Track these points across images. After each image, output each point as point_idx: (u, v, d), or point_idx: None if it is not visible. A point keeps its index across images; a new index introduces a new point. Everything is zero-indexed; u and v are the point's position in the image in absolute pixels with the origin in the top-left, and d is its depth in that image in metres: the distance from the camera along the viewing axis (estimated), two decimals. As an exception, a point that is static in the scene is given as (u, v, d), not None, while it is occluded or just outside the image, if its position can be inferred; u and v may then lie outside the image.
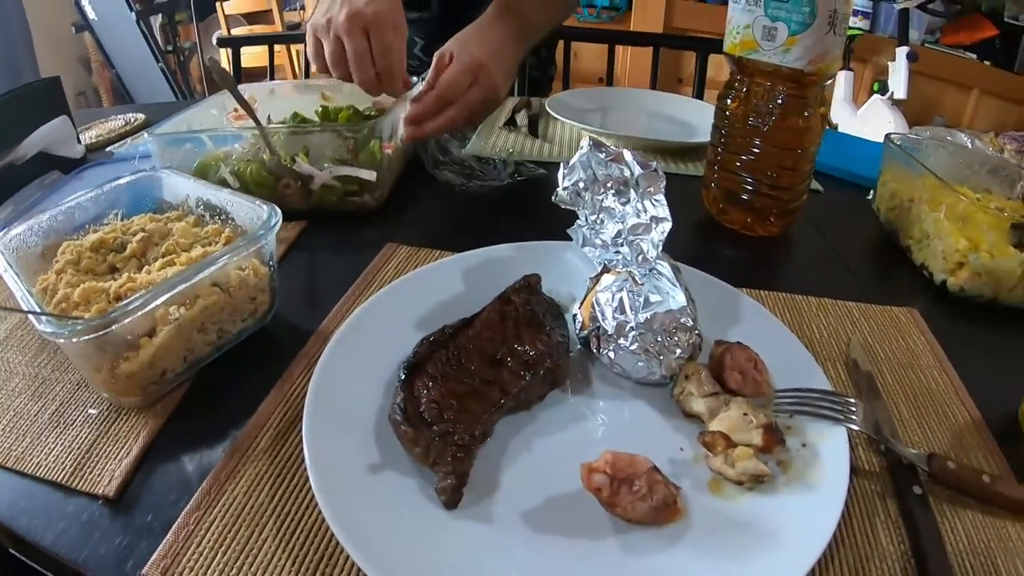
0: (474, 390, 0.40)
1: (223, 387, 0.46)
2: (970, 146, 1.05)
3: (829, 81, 0.62)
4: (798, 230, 0.72)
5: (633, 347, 0.42)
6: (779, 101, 0.62)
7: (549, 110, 0.94)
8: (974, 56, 2.29)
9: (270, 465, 0.38)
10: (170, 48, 2.87)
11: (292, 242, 0.64)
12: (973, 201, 0.60)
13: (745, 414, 0.38)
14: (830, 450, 0.38)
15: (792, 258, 0.69)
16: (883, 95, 2.18)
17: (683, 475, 0.37)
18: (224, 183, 0.64)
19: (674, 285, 0.44)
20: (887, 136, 0.72)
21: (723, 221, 0.71)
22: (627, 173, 0.50)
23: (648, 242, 0.47)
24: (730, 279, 0.55)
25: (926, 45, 2.33)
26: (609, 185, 0.52)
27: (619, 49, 1.44)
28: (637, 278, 0.44)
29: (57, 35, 2.71)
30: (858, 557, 0.35)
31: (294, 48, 2.81)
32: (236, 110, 0.75)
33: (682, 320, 0.42)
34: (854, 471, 0.39)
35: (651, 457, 0.35)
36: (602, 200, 0.52)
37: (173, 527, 0.34)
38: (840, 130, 2.01)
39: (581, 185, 0.54)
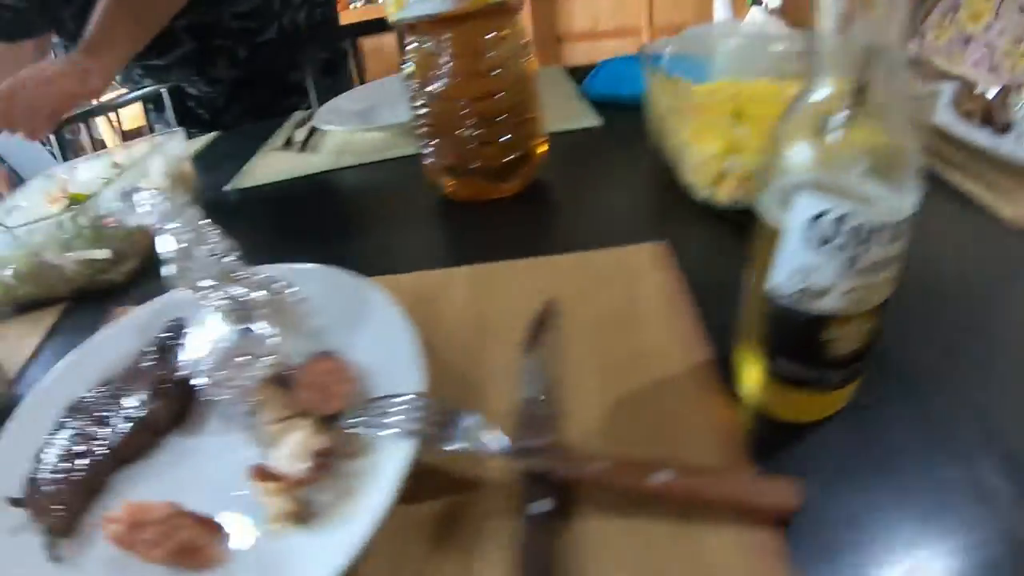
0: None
1: None
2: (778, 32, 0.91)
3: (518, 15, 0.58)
4: (558, 178, 0.67)
5: (211, 383, 0.37)
6: (450, 53, 0.58)
7: (317, 124, 0.90)
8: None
9: None
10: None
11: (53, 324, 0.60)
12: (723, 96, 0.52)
13: (306, 438, 0.33)
14: (379, 470, 0.32)
15: (536, 216, 0.62)
16: (759, 5, 2.13)
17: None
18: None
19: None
20: (641, 47, 0.64)
21: (457, 197, 0.67)
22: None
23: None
24: (464, 256, 0.54)
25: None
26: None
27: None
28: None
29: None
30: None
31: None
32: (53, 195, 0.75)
33: (249, 345, 0.37)
34: (471, 486, 0.33)
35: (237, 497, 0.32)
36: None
37: None
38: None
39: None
